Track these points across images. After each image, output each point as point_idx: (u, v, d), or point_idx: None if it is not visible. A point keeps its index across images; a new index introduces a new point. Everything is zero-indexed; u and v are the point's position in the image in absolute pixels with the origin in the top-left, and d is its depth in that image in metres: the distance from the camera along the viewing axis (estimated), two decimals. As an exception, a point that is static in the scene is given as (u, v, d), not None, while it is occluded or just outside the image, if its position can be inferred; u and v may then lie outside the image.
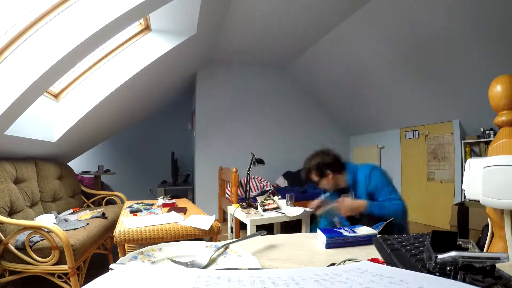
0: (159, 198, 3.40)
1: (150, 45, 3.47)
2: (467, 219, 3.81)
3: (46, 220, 2.54)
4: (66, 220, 2.88)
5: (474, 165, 0.91)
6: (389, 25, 3.90)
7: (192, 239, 2.59)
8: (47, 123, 3.25)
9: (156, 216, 2.60)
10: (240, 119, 6.01)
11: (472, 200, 0.90)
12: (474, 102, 3.95)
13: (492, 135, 3.94)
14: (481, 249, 1.02)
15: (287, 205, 3.03)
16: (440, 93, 4.31)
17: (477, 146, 4.25)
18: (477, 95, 3.82)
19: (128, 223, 2.33)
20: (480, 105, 3.85)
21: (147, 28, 3.44)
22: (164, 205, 3.13)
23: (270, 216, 2.84)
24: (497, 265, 0.60)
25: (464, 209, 3.84)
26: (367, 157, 6.34)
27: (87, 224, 2.78)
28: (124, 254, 2.33)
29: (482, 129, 4.06)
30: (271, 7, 3.86)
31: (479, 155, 4.20)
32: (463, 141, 4.37)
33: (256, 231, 0.93)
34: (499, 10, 3.00)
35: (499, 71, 1.08)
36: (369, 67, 4.82)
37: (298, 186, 5.50)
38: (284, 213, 2.89)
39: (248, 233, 2.79)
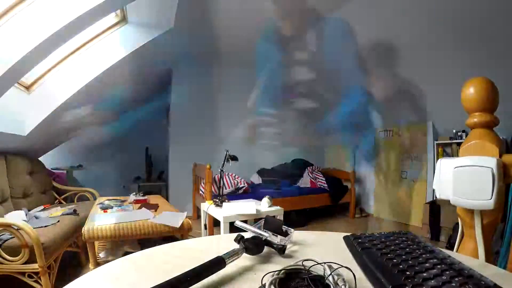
0: (131, 195, 3.39)
1: (125, 37, 3.41)
2: (438, 217, 3.91)
3: (16, 217, 2.47)
4: (36, 217, 2.79)
5: (444, 165, 0.92)
6: (360, 28, 3.93)
7: (164, 237, 2.59)
8: (17, 116, 3.15)
9: (127, 213, 2.57)
10: (214, 115, 5.96)
11: (442, 199, 0.91)
12: (447, 103, 4.03)
13: (464, 137, 4.03)
14: (452, 247, 1.04)
15: (268, 206, 3.03)
16: (415, 95, 4.39)
17: (449, 147, 4.35)
18: (450, 97, 3.90)
19: (98, 220, 2.31)
20: (453, 106, 3.93)
21: (124, 19, 3.38)
22: (136, 201, 3.13)
23: (244, 213, 2.83)
24: (468, 264, 0.61)
25: (435, 207, 3.95)
26: (341, 157, 6.41)
27: (58, 221, 2.71)
28: (94, 252, 2.31)
29: (454, 130, 4.15)
30: (253, 4, 3.84)
31: (451, 156, 4.30)
32: (435, 142, 4.47)
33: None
34: (474, 13, 3.07)
35: (473, 73, 1.10)
36: (346, 68, 4.86)
37: (272, 184, 5.52)
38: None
39: (222, 231, 2.78)
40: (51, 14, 2.28)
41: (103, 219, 2.35)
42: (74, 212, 3.05)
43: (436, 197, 4.34)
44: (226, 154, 3.24)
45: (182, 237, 2.50)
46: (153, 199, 3.47)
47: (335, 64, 4.85)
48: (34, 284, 2.23)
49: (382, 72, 4.48)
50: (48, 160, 4.85)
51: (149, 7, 3.19)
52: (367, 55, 4.35)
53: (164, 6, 3.16)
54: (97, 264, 2.34)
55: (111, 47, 3.36)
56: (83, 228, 2.23)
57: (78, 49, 3.35)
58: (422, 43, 3.66)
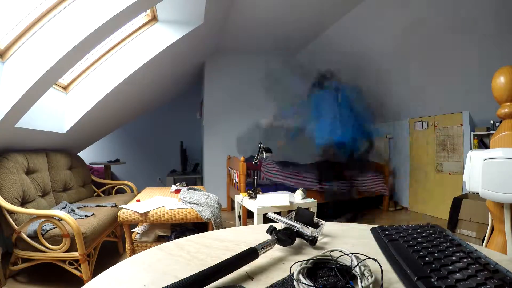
0: (173, 185, 3.49)
1: (157, 36, 3.47)
2: (458, 210, 3.88)
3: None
4: (73, 210, 2.93)
5: (475, 157, 0.90)
6: (399, 13, 3.85)
7: (195, 223, 2.80)
8: (56, 115, 3.29)
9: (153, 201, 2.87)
10: (248, 108, 5.99)
11: (472, 193, 0.90)
12: (484, 93, 3.88)
13: (502, 128, 3.87)
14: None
15: (301, 198, 3.05)
16: (450, 84, 4.26)
17: (487, 138, 4.20)
18: (487, 86, 3.75)
19: (131, 207, 2.57)
20: (490, 96, 3.79)
21: (154, 18, 3.44)
22: (176, 191, 3.32)
23: (277, 205, 2.86)
24: (495, 259, 0.60)
25: (457, 200, 3.94)
26: (376, 148, 6.29)
27: (93, 214, 2.83)
28: (130, 234, 2.55)
29: (492, 121, 3.99)
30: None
31: (489, 147, 4.13)
32: (472, 133, 4.32)
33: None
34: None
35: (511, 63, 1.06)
36: (379, 56, 4.78)
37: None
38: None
39: (255, 222, 2.83)
40: (84, 17, 2.36)
41: (135, 206, 2.60)
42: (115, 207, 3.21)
43: (467, 190, 4.20)
44: (260, 146, 3.26)
45: (208, 224, 2.66)
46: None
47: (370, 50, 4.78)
48: (74, 271, 2.36)
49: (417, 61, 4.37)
50: (87, 155, 5.06)
51: (178, 5, 3.23)
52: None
53: (193, 2, 3.19)
54: (132, 243, 2.57)
55: (143, 46, 3.44)
56: (119, 212, 2.48)
57: (111, 49, 3.45)
58: (459, 25, 3.52)
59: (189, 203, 2.70)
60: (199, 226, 2.93)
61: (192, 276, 0.52)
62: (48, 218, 2.35)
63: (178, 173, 6.43)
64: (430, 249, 0.65)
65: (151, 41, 3.45)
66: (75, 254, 2.32)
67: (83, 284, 0.63)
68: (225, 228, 1.02)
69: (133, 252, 2.50)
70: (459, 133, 4.57)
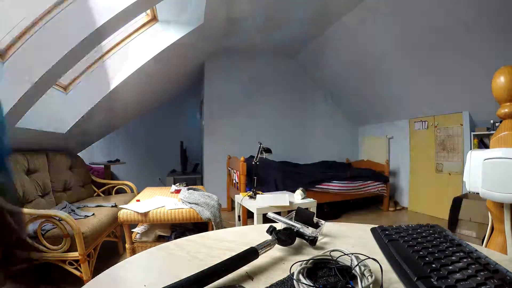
0: (173, 185, 3.48)
1: (157, 36, 3.47)
2: (458, 210, 3.88)
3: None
4: (73, 210, 2.93)
5: (475, 157, 0.90)
6: (399, 14, 3.85)
7: (195, 223, 2.82)
8: (57, 115, 3.29)
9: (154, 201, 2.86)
10: (248, 108, 6.01)
11: (473, 193, 0.90)
12: (484, 93, 3.89)
13: (502, 128, 3.87)
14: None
15: (301, 198, 3.05)
16: (450, 84, 4.25)
17: (488, 138, 4.20)
18: (487, 87, 3.74)
19: (131, 207, 2.56)
20: (490, 96, 3.78)
21: (154, 18, 3.45)
22: (176, 191, 3.32)
23: (277, 205, 2.85)
24: (495, 259, 0.60)
25: (457, 200, 3.94)
26: (375, 148, 6.31)
27: (93, 214, 2.83)
28: (130, 234, 2.56)
29: (492, 121, 4.00)
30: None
31: (489, 147, 4.13)
32: (472, 133, 4.32)
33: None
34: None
35: (511, 63, 1.05)
36: (379, 57, 4.77)
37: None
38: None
39: (255, 222, 2.82)
40: (84, 18, 2.36)
41: (135, 206, 2.60)
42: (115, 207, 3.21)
43: (467, 190, 4.19)
44: (260, 146, 3.25)
45: (208, 224, 2.66)
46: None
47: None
48: (74, 271, 2.36)
49: (417, 61, 4.37)
50: (87, 155, 5.06)
51: (178, 5, 3.24)
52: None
53: (193, 2, 3.20)
54: (132, 243, 2.57)
55: (143, 46, 3.44)
56: (119, 212, 2.49)
57: (111, 49, 3.46)
58: (459, 25, 3.51)
59: (189, 203, 2.70)
60: (199, 226, 2.93)
61: (192, 276, 0.52)
62: (48, 218, 2.34)
63: (178, 173, 6.42)
64: (430, 249, 0.65)
65: (151, 41, 3.45)
66: (75, 254, 2.32)
67: (83, 284, 0.63)
68: (225, 228, 1.02)
69: (133, 252, 2.50)
70: (459, 133, 4.57)
